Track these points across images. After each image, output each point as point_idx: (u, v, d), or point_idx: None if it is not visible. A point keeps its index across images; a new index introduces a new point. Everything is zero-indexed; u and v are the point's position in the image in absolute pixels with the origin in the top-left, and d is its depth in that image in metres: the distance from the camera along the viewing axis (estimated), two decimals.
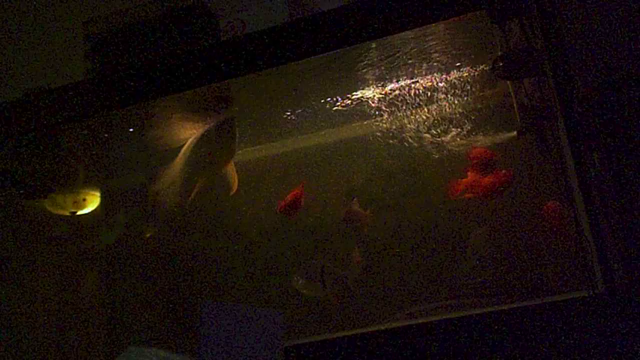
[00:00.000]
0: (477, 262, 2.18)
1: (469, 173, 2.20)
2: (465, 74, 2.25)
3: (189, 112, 2.30)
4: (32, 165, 2.37)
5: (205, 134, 2.26)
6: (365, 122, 2.43)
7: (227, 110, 2.26)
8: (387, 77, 2.24)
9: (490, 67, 1.97)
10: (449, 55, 2.15)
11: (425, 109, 2.32)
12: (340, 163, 2.45)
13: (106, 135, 2.38)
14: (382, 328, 1.99)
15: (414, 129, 2.33)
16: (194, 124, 2.31)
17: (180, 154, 2.31)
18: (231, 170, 2.34)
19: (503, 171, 2.15)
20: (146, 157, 2.52)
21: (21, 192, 2.39)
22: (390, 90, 2.30)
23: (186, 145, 2.30)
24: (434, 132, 2.31)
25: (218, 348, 1.33)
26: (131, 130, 2.34)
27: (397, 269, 2.28)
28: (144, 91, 2.11)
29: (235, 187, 2.33)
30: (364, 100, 2.33)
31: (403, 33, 1.95)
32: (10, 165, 2.36)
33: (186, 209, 2.33)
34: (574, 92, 1.76)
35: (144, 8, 2.22)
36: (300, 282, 2.15)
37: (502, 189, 2.15)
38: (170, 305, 2.46)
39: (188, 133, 2.33)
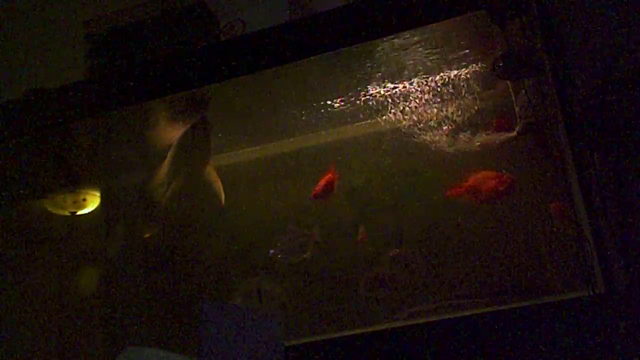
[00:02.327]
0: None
1: (470, 177, 2.19)
2: (465, 74, 2.25)
3: (176, 114, 2.31)
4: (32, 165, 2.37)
5: (182, 135, 2.27)
6: (365, 122, 2.43)
7: (204, 112, 2.26)
8: (388, 77, 2.24)
9: (490, 67, 1.97)
10: (449, 55, 2.15)
11: (425, 109, 2.32)
12: (340, 163, 2.45)
13: (107, 134, 2.38)
14: (382, 328, 1.99)
15: (414, 129, 2.33)
16: (179, 126, 2.32)
17: (167, 155, 2.33)
18: (216, 181, 2.34)
19: (504, 176, 2.14)
20: (146, 158, 2.52)
21: (21, 191, 2.39)
22: (391, 90, 2.30)
23: (172, 147, 2.32)
24: (434, 132, 2.31)
25: (218, 348, 1.33)
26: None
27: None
28: (144, 91, 2.11)
29: (222, 197, 2.34)
30: (363, 100, 2.33)
31: (403, 33, 1.95)
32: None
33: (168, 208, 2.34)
34: (574, 92, 1.76)
35: (144, 8, 2.22)
36: (239, 300, 2.18)
37: (503, 193, 2.13)
38: (170, 305, 2.46)
39: (175, 134, 2.34)
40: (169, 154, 2.30)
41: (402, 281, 2.22)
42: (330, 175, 2.34)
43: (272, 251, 2.26)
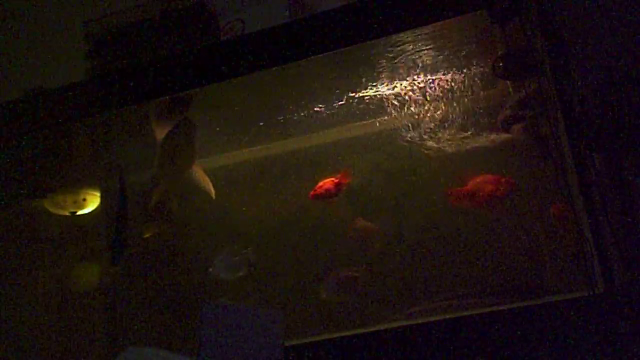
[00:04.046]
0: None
1: (470, 182, 2.18)
2: (465, 74, 2.25)
3: (158, 114, 2.31)
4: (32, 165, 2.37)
5: (165, 136, 2.27)
6: (365, 122, 2.43)
7: (185, 112, 2.26)
8: (388, 77, 2.24)
9: (491, 67, 1.97)
10: (449, 56, 2.15)
11: (425, 109, 2.32)
12: (340, 163, 2.45)
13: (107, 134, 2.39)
14: (382, 328, 1.98)
15: (414, 130, 2.33)
16: (162, 126, 2.32)
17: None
18: (202, 176, 2.34)
19: (504, 179, 2.13)
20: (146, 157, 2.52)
21: (21, 192, 2.39)
22: (391, 90, 2.30)
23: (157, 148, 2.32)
24: (434, 132, 2.30)
25: (218, 348, 1.33)
26: None
27: None
28: (144, 91, 2.11)
29: (212, 191, 2.34)
30: (364, 100, 2.33)
31: (403, 33, 1.95)
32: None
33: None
34: (574, 92, 1.76)
35: (144, 8, 2.22)
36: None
37: (503, 197, 2.12)
38: (171, 305, 2.46)
39: (158, 134, 2.34)
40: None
41: (370, 284, 2.19)
42: (340, 178, 2.33)
43: (210, 269, 2.33)
